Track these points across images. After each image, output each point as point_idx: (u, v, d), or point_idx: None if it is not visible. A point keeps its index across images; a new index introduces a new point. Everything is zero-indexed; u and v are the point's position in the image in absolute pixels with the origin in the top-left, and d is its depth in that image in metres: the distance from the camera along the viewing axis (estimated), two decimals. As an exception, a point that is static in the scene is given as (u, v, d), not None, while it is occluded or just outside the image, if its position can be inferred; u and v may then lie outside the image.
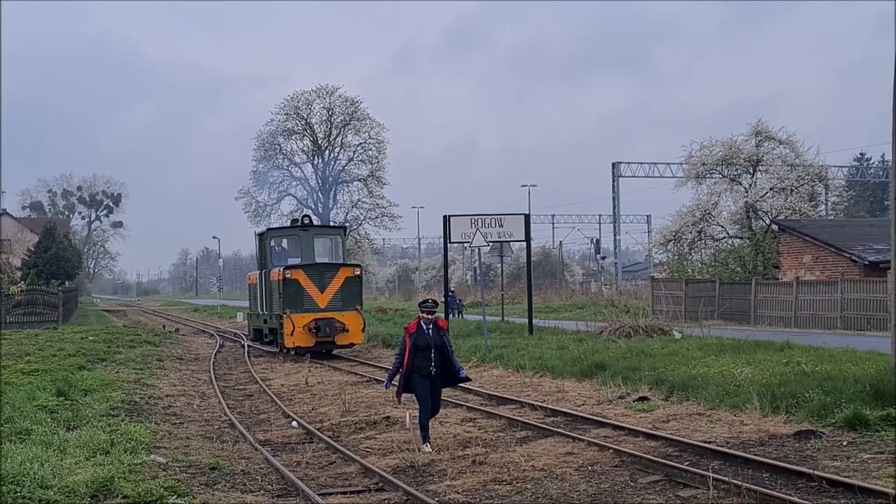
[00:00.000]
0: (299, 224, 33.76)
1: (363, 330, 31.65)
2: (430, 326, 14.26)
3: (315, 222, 34.68)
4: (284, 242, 33.62)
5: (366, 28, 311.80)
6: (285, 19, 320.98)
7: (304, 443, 15.49)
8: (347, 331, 30.64)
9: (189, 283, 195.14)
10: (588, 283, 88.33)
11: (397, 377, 14.61)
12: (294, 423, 17.19)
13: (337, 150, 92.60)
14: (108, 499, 10.62)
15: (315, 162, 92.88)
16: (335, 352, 31.86)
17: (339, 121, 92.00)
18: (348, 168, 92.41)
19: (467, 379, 15.23)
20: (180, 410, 19.10)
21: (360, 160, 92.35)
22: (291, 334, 30.07)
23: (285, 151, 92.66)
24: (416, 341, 14.21)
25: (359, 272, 31.85)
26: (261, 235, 34.47)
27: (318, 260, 32.31)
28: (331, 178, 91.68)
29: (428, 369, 14.31)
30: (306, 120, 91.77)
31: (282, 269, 30.83)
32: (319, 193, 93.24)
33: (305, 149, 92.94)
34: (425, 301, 14.63)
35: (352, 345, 31.51)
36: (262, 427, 17.27)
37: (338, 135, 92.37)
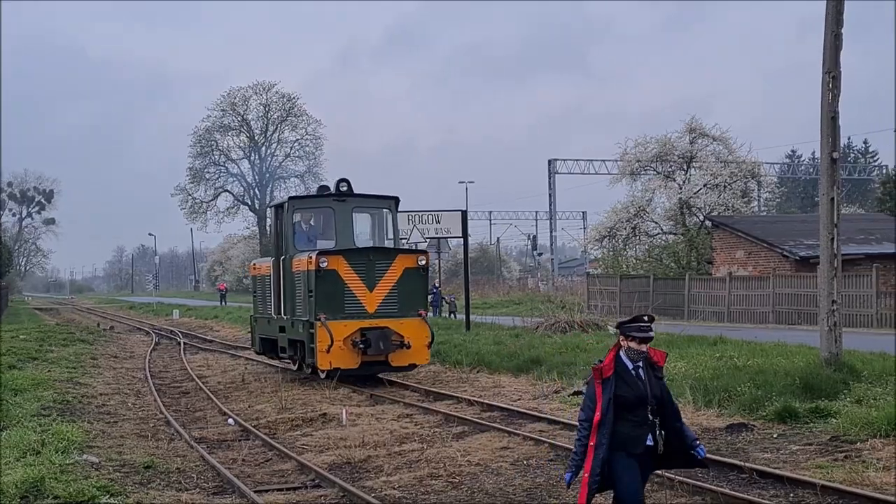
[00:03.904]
0: (334, 192, 22.95)
1: (430, 345, 21.89)
2: (640, 364, 8.01)
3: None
4: (311, 218, 23.40)
5: (308, 28, 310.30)
6: (227, 18, 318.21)
7: (240, 440, 15.42)
8: (408, 346, 21.09)
9: (124, 281, 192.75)
10: (525, 279, 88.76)
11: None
12: (230, 421, 17.10)
13: (274, 146, 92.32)
14: (39, 499, 10.50)
15: (252, 158, 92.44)
16: (383, 374, 21.94)
17: (275, 117, 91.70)
18: (285, 164, 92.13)
19: (706, 463, 8.93)
20: (114, 409, 18.89)
21: (297, 156, 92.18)
22: (328, 351, 20.56)
23: (222, 148, 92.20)
24: (618, 391, 7.90)
25: (424, 262, 22.06)
26: (278, 207, 23.71)
27: (362, 243, 23.07)
28: (268, 175, 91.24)
29: (641, 442, 7.96)
30: (243, 116, 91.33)
31: (314, 256, 21.10)
32: (256, 189, 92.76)
33: (242, 145, 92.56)
34: (639, 318, 8.05)
35: (413, 366, 21.89)
36: (199, 425, 17.15)
37: (274, 131, 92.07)
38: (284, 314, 23.00)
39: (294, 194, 25.21)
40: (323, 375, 21.58)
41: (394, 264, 21.54)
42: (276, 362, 25.39)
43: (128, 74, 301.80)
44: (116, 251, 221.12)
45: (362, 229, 23.82)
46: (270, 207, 25.66)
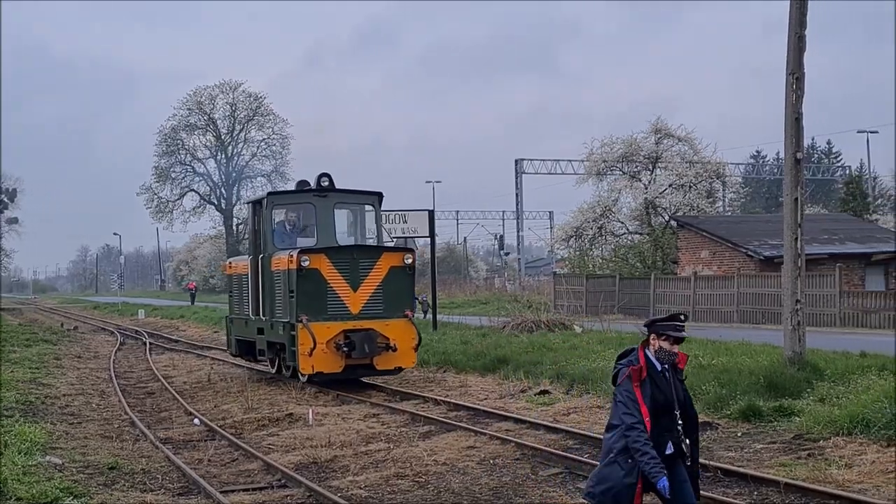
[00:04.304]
0: (314, 187, 21.86)
1: (417, 347, 20.97)
2: (668, 366, 7.31)
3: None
4: (292, 214, 22.42)
5: (276, 27, 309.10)
6: (195, 17, 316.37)
7: (206, 440, 15.35)
8: (394, 349, 20.19)
9: (89, 281, 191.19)
10: (492, 278, 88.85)
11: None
12: (196, 421, 17.01)
13: (240, 145, 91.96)
14: (1, 501, 10.40)
15: (218, 157, 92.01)
16: (367, 378, 21.39)
17: (242, 116, 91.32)
18: (252, 164, 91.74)
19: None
20: (78, 410, 18.75)
21: (264, 156, 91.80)
22: (310, 354, 19.63)
23: (188, 147, 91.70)
24: (653, 394, 7.14)
25: (410, 260, 21.06)
26: (256, 204, 22.65)
27: (344, 241, 22.08)
28: (234, 174, 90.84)
29: (675, 449, 7.21)
30: (209, 115, 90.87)
31: (295, 255, 20.10)
32: (223, 189, 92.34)
33: (208, 144, 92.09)
34: (675, 317, 7.41)
35: (399, 370, 20.97)
36: (164, 425, 17.06)
37: (241, 130, 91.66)
38: (263, 315, 22.02)
39: (273, 189, 22.63)
40: (304, 380, 20.64)
41: (378, 263, 20.62)
42: (254, 365, 24.67)
43: (93, 73, 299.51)
44: (80, 251, 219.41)
45: (344, 226, 22.85)
46: (248, 203, 24.33)
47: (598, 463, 11.94)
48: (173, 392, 21.22)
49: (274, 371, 22.64)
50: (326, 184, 21.67)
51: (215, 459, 13.76)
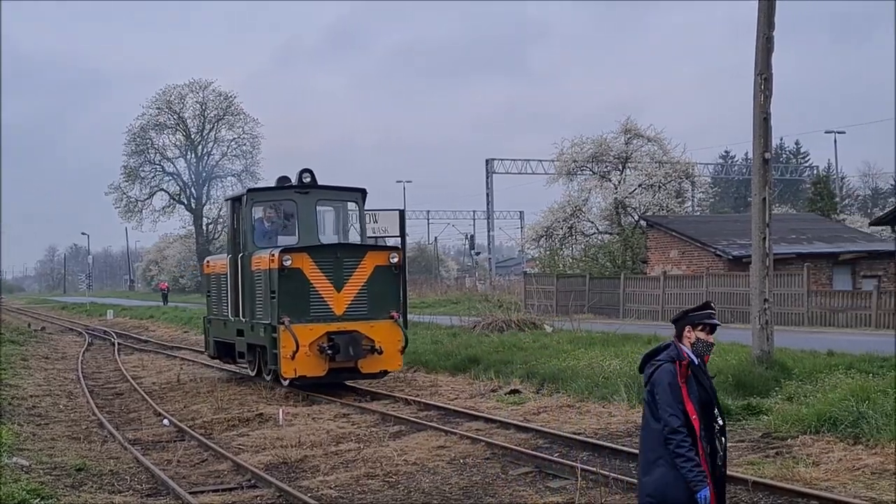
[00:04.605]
0: (296, 184, 21.05)
1: (403, 350, 20.20)
2: (700, 361, 6.65)
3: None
4: (272, 212, 21.61)
5: (246, 27, 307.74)
6: (164, 16, 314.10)
7: (175, 441, 15.28)
8: (380, 352, 19.45)
9: (57, 281, 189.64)
10: (463, 278, 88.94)
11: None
12: (165, 422, 16.94)
13: (210, 144, 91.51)
14: (-31, 502, 10.31)
15: (188, 157, 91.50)
16: (351, 382, 20.77)
17: (212, 115, 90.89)
18: (222, 163, 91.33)
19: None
20: (45, 411, 18.61)
21: (234, 155, 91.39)
22: (292, 357, 18.82)
23: (157, 146, 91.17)
24: (698, 392, 6.47)
25: (396, 259, 20.23)
26: (235, 201, 21.73)
27: (326, 239, 21.35)
28: (204, 174, 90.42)
29: (711, 449, 6.46)
30: (179, 114, 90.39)
31: (277, 254, 19.25)
32: (193, 188, 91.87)
33: (178, 143, 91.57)
34: (707, 304, 6.97)
35: (385, 373, 20.34)
36: (133, 426, 16.97)
37: (211, 129, 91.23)
38: (243, 316, 21.13)
39: (252, 186, 21.43)
40: (286, 384, 19.89)
41: (363, 262, 19.76)
42: (231, 367, 24.24)
43: (61, 72, 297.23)
44: (48, 250, 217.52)
45: (327, 224, 22.01)
46: (227, 200, 23.06)
47: (566, 461, 12.03)
48: (142, 393, 21.11)
49: (254, 374, 21.79)
50: (308, 180, 20.87)
51: (184, 460, 13.70)
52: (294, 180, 21.06)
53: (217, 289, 23.53)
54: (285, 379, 19.64)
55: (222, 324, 22.96)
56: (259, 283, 20.25)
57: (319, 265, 19.49)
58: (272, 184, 22.56)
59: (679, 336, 6.71)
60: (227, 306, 22.26)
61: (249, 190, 22.03)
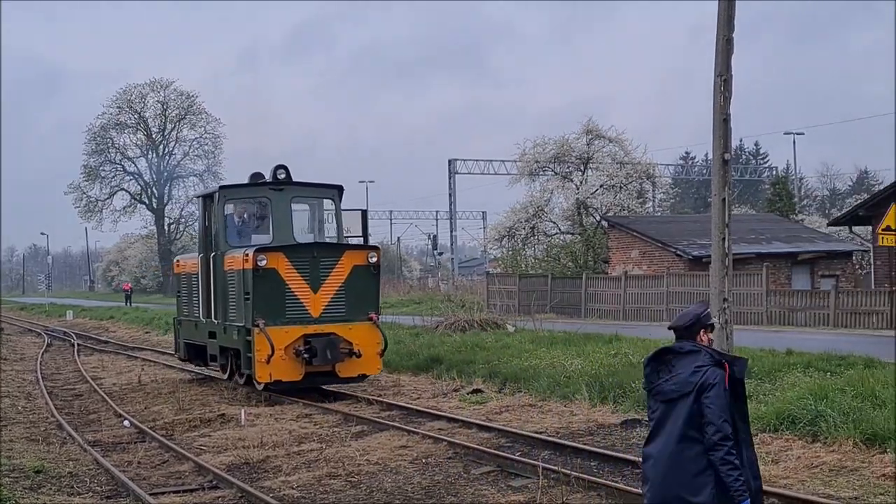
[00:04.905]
0: (269, 181, 20.31)
1: (382, 353, 19.55)
2: None
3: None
4: (245, 210, 20.81)
5: (209, 27, 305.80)
6: (126, 15, 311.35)
7: (136, 442, 15.20)
8: (358, 355, 18.78)
9: (15, 282, 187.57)
10: (425, 278, 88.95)
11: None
12: (126, 423, 16.82)
13: (172, 144, 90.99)
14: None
15: (149, 156, 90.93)
16: (328, 387, 19.85)
17: (174, 115, 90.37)
18: (184, 163, 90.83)
19: None
20: (3, 413, 18.41)
21: (196, 155, 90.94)
22: (267, 361, 18.09)
23: (118, 145, 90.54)
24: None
25: (375, 258, 19.58)
26: (207, 199, 21.02)
27: (302, 238, 20.74)
28: (165, 173, 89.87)
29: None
30: (140, 113, 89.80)
31: (251, 253, 18.52)
32: (154, 188, 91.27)
33: (139, 143, 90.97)
34: (706, 304, 7.24)
35: (363, 377, 19.60)
36: (92, 427, 16.84)
37: (173, 129, 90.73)
38: (215, 318, 20.36)
39: (225, 183, 20.96)
40: (261, 388, 19.11)
41: (341, 262, 19.07)
42: (192, 368, 23.78)
43: (18, 70, 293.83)
44: (6, 251, 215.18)
45: (302, 222, 21.31)
46: (198, 198, 22.11)
47: (528, 460, 12.07)
48: (102, 394, 20.96)
49: (226, 378, 20.95)
50: (283, 176, 20.11)
51: (145, 461, 13.63)
52: (268, 177, 20.35)
53: (188, 289, 22.75)
54: (259, 383, 18.91)
55: (193, 325, 22.26)
56: (232, 284, 19.53)
57: (295, 265, 18.78)
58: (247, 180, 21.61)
59: (693, 340, 6.14)
60: (199, 307, 21.54)
61: (222, 187, 21.07)
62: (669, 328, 6.11)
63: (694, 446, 5.74)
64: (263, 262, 18.41)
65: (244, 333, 18.82)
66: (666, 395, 5.84)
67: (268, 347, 18.08)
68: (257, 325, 18.26)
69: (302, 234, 20.81)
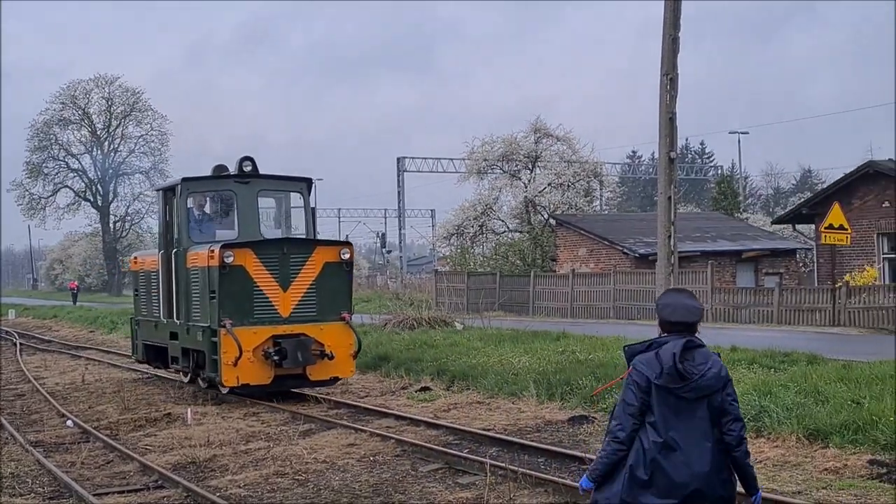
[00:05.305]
0: (235, 173, 19.31)
1: (356, 354, 18.69)
2: None
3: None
4: (208, 204, 19.86)
5: (155, 23, 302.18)
6: (70, 10, 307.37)
7: (79, 443, 14.99)
8: (330, 357, 17.80)
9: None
10: (374, 276, 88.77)
11: None
12: (69, 423, 16.60)
13: (117, 141, 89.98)
14: None
15: (94, 153, 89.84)
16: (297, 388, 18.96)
17: (119, 111, 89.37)
18: (129, 160, 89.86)
19: None
20: (-56, 413, 18.11)
21: (142, 152, 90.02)
22: (235, 364, 17.09)
23: (62, 142, 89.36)
24: None
25: (348, 255, 18.57)
26: (168, 191, 19.84)
27: (269, 233, 19.82)
28: (111, 170, 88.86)
29: None
30: (84, 109, 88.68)
31: (217, 249, 17.45)
32: (99, 186, 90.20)
33: (83, 139, 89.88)
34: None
35: (336, 380, 18.66)
36: (35, 428, 16.60)
37: (118, 126, 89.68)
38: (177, 318, 19.26)
39: (187, 175, 19.18)
40: (225, 391, 18.33)
41: (312, 258, 18.07)
42: (149, 370, 22.78)
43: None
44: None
45: (269, 217, 20.52)
46: (158, 191, 20.93)
47: (476, 457, 12.09)
48: (45, 393, 20.67)
49: (187, 381, 20.06)
50: (249, 168, 19.12)
51: (89, 462, 13.46)
52: (233, 169, 19.34)
53: (146, 287, 21.57)
54: (225, 387, 17.99)
55: (153, 326, 21.13)
56: (196, 282, 18.47)
57: (264, 262, 17.75)
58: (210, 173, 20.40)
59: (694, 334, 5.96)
60: (159, 307, 20.38)
61: (184, 179, 19.43)
62: (679, 322, 5.81)
63: (717, 442, 5.63)
64: (230, 259, 17.41)
65: (209, 334, 17.78)
66: (702, 390, 5.60)
67: (235, 349, 17.05)
68: (224, 326, 17.26)
69: (269, 230, 19.99)
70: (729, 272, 41.87)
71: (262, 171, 19.50)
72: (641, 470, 5.56)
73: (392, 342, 24.82)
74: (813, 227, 37.22)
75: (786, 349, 18.64)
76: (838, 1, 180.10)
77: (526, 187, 52.95)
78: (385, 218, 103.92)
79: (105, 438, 14.83)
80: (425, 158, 72.40)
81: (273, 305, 17.78)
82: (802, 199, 48.42)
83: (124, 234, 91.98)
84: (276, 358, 17.40)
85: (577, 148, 54.68)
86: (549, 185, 53.01)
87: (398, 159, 71.56)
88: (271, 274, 17.79)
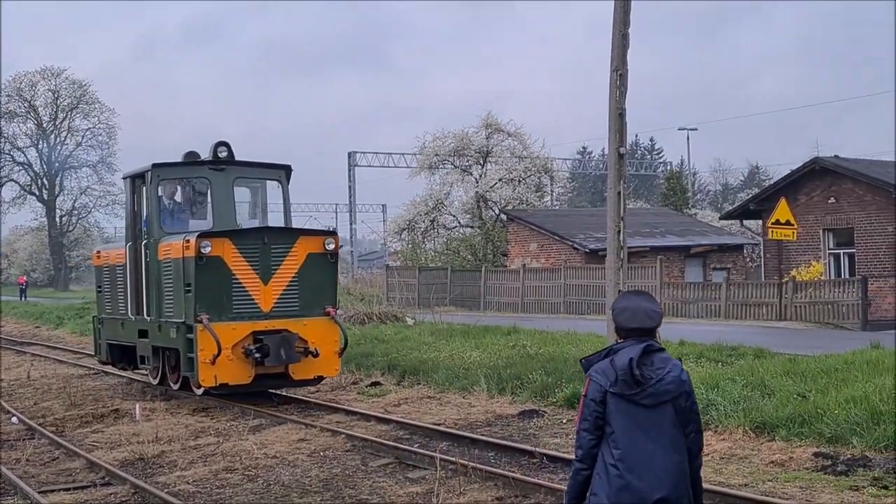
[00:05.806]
0: (209, 159, 18.05)
1: (342, 352, 17.51)
2: None
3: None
4: (179, 192, 18.60)
5: (102, 16, 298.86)
6: (14, 2, 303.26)
7: (24, 439, 14.80)
8: (315, 354, 16.60)
9: None
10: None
11: None
12: (14, 419, 16.38)
13: (64, 134, 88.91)
14: None
15: (40, 146, 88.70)
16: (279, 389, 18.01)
17: (65, 104, 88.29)
18: (76, 153, 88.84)
19: None
20: None
21: (90, 145, 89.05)
22: (213, 362, 15.78)
23: (6, 135, 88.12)
24: None
25: (333, 245, 17.32)
26: (137, 178, 18.38)
27: (245, 223, 18.60)
28: (57, 164, 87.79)
29: None
30: (30, 102, 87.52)
31: (193, 239, 16.19)
32: (45, 179, 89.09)
33: (29, 132, 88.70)
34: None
35: (320, 379, 17.49)
36: (-21, 424, 16.37)
37: (64, 118, 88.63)
38: (147, 314, 17.84)
39: (158, 161, 18.23)
40: (200, 393, 16.96)
41: (294, 249, 16.86)
42: (130, 374, 20.77)
43: None
44: None
45: (245, 206, 19.25)
46: (126, 178, 19.33)
47: (426, 452, 12.11)
48: (-10, 390, 20.39)
49: (156, 382, 18.52)
50: (225, 154, 17.89)
51: (34, 458, 13.29)
52: (208, 155, 18.10)
53: (111, 283, 19.96)
54: (201, 387, 16.61)
55: (119, 324, 19.53)
56: (169, 275, 17.15)
57: (243, 252, 16.51)
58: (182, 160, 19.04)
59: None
60: (126, 303, 18.89)
61: (155, 165, 18.00)
62: (638, 328, 5.42)
63: (681, 450, 5.29)
64: (208, 249, 16.12)
65: (184, 331, 16.46)
66: (661, 395, 5.24)
67: (213, 346, 15.76)
68: (200, 321, 15.97)
69: (245, 220, 18.84)
70: (677, 267, 42.25)
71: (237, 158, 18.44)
72: (604, 492, 5.23)
73: (343, 337, 24.74)
74: (760, 222, 37.63)
75: (733, 343, 18.87)
76: (784, 1, 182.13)
77: (477, 182, 53.05)
78: (336, 213, 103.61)
79: (51, 435, 14.65)
80: (377, 153, 72.24)
81: (253, 299, 16.62)
82: (750, 195, 48.98)
83: (71, 228, 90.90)
84: (257, 355, 16.18)
85: (529, 143, 54.90)
86: (501, 180, 53.13)
87: (349, 154, 71.30)
88: (251, 265, 16.63)
